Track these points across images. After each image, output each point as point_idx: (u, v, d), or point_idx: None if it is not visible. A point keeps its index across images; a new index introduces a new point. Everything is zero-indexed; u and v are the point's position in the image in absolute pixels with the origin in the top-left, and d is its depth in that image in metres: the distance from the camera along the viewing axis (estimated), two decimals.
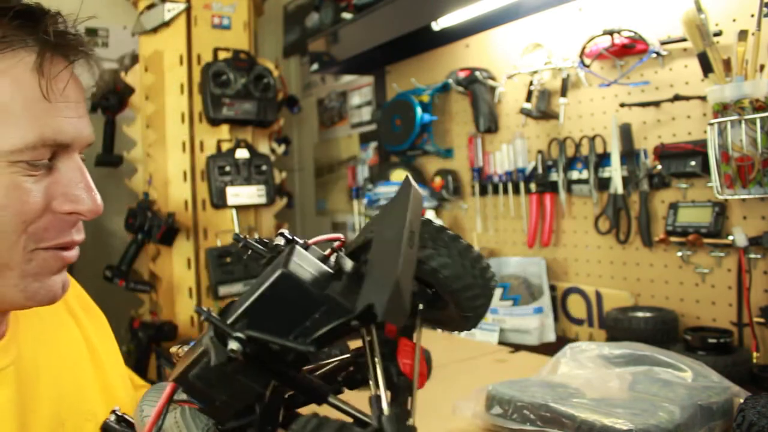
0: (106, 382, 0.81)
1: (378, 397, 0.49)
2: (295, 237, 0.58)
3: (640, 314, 1.38)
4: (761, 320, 1.21)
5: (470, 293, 0.58)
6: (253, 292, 0.48)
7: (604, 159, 1.55)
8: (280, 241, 0.58)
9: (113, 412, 0.53)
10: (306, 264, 0.50)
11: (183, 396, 0.52)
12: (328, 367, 0.62)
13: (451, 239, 0.58)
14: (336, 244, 0.59)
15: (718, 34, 1.26)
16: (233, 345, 0.45)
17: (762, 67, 1.16)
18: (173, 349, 0.62)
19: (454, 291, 0.58)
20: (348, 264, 0.54)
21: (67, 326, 0.80)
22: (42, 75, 0.57)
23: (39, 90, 0.57)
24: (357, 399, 0.52)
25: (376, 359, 0.51)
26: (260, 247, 0.62)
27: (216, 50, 2.16)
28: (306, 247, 0.55)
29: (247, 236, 0.62)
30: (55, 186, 0.60)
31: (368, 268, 0.48)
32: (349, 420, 0.49)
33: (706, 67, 1.23)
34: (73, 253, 0.64)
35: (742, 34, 1.18)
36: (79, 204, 0.61)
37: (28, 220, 0.58)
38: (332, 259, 0.55)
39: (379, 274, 0.45)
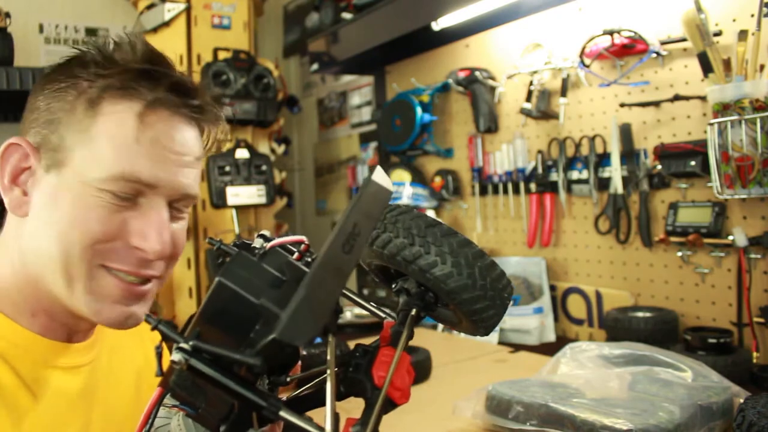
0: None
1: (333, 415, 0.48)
2: (264, 237, 0.56)
3: (640, 314, 1.38)
4: (761, 320, 1.21)
5: (468, 295, 0.54)
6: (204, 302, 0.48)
7: (604, 159, 1.55)
8: (257, 242, 0.55)
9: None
10: (248, 272, 0.48)
11: None
12: (317, 380, 0.61)
13: (444, 234, 0.54)
14: (302, 247, 0.57)
15: (718, 34, 1.26)
16: (176, 356, 0.46)
17: (762, 67, 1.16)
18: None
19: (450, 293, 0.54)
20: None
21: (139, 347, 0.87)
22: (141, 121, 0.65)
23: (134, 133, 0.65)
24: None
25: (328, 373, 0.50)
26: (233, 249, 0.60)
27: (216, 50, 2.16)
28: (264, 252, 0.52)
29: (223, 240, 0.62)
30: (133, 221, 0.67)
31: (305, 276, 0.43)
32: None
33: (706, 67, 1.23)
34: (142, 288, 0.69)
35: (742, 34, 1.18)
36: (145, 242, 0.67)
37: (96, 239, 0.65)
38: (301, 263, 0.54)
39: (301, 285, 0.41)
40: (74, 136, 0.66)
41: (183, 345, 0.45)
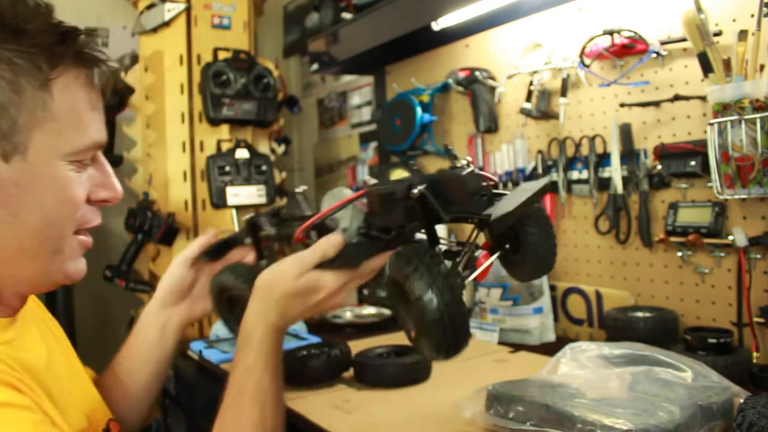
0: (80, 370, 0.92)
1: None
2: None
3: (640, 314, 1.38)
4: (761, 320, 1.22)
5: (546, 255, 0.94)
6: (439, 177, 0.90)
7: (604, 159, 1.55)
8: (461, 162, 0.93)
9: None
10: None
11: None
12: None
13: (544, 218, 0.95)
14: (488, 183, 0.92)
15: (718, 34, 1.26)
16: (415, 190, 0.84)
17: (762, 67, 1.16)
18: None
19: (535, 250, 0.94)
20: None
21: (46, 323, 0.89)
22: (92, 89, 0.69)
23: (89, 101, 0.69)
24: None
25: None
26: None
27: (216, 50, 2.16)
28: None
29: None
30: (91, 179, 0.72)
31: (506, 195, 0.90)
32: None
33: (706, 67, 1.23)
34: (90, 239, 0.76)
35: (742, 34, 1.18)
36: (112, 192, 0.74)
37: (78, 210, 0.71)
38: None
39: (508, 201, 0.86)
40: (29, 117, 0.65)
41: (421, 187, 0.84)
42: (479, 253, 0.94)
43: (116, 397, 0.99)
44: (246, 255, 1.19)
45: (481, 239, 1.00)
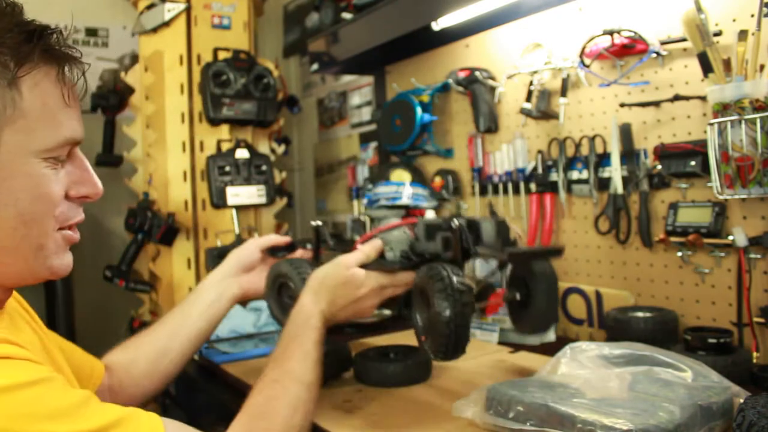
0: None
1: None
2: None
3: (640, 314, 1.37)
4: (761, 320, 1.22)
5: (548, 313, 1.19)
6: (475, 220, 1.16)
7: (604, 159, 1.55)
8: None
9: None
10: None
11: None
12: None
13: (554, 283, 1.20)
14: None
15: (718, 34, 1.26)
16: (455, 223, 1.11)
17: (762, 67, 1.16)
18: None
19: (540, 306, 1.18)
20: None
21: (29, 325, 0.91)
22: (64, 84, 0.69)
23: (62, 98, 0.69)
24: None
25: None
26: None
27: (216, 50, 2.16)
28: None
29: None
30: (69, 176, 0.73)
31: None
32: None
33: (706, 67, 1.23)
34: (77, 235, 0.77)
35: (742, 34, 1.18)
36: (91, 188, 0.74)
37: (55, 206, 0.71)
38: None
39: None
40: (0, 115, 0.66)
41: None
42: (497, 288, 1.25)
43: (136, 359, 1.13)
44: (305, 256, 1.38)
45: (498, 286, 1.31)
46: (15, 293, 0.92)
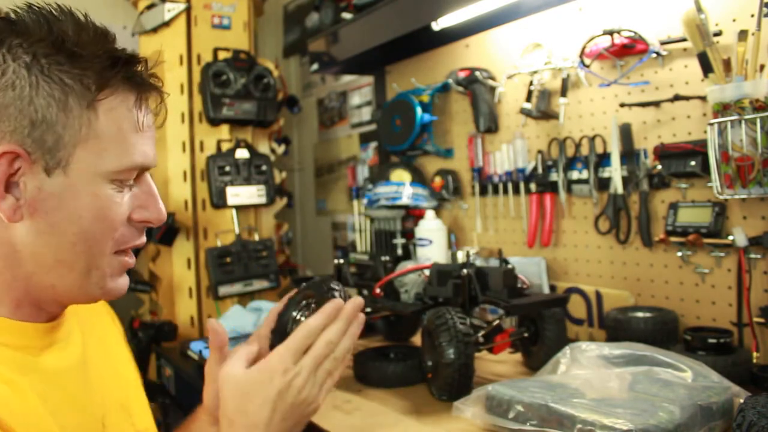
0: (137, 380, 0.95)
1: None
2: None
3: (640, 314, 1.37)
4: (761, 320, 1.21)
5: (556, 352, 1.18)
6: (485, 270, 1.34)
7: (604, 159, 1.55)
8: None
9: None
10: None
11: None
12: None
13: (561, 323, 1.36)
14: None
15: (718, 34, 1.26)
16: (465, 271, 1.29)
17: (762, 67, 1.16)
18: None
19: (549, 346, 1.30)
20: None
21: (109, 326, 0.94)
22: (139, 111, 0.72)
23: (135, 124, 0.71)
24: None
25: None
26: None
27: (216, 50, 2.16)
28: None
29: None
30: (134, 199, 0.74)
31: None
32: None
33: (706, 67, 1.23)
34: (133, 259, 0.77)
35: (742, 34, 1.18)
36: (154, 214, 0.75)
37: (116, 228, 0.72)
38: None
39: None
40: (74, 134, 0.67)
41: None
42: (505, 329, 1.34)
43: None
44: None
45: (507, 324, 1.40)
46: (105, 306, 0.95)
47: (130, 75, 0.71)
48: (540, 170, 1.70)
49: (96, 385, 0.80)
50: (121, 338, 0.97)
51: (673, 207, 1.39)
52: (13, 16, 0.67)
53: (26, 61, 0.65)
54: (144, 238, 0.77)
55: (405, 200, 1.99)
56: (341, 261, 1.58)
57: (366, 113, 2.50)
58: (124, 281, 0.77)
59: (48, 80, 0.66)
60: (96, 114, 0.68)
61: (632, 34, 1.41)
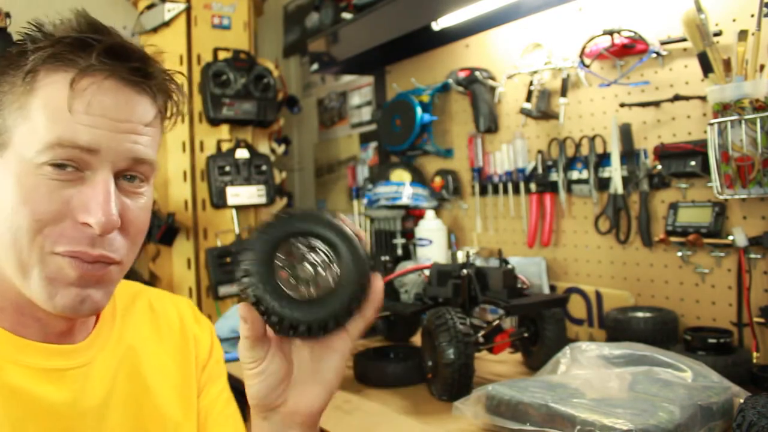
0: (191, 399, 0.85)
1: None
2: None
3: (640, 314, 1.37)
4: (761, 320, 1.21)
5: (556, 351, 1.17)
6: (485, 270, 1.35)
7: (604, 159, 1.55)
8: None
9: None
10: None
11: None
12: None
13: (561, 323, 1.35)
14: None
15: (718, 34, 1.26)
16: (465, 271, 1.29)
17: (762, 67, 1.16)
18: None
19: (549, 346, 1.29)
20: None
21: (174, 336, 0.85)
22: (73, 89, 0.63)
23: (67, 101, 0.63)
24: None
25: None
26: None
27: (216, 50, 2.16)
28: None
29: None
30: (78, 196, 0.63)
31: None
32: None
33: (706, 67, 1.23)
34: (101, 271, 0.65)
35: (742, 34, 1.18)
36: (91, 216, 0.63)
37: (42, 220, 0.62)
38: None
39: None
40: (14, 115, 0.64)
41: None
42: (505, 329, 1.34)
43: None
44: None
45: (508, 324, 1.41)
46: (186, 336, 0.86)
47: (79, 53, 0.64)
48: (540, 170, 1.70)
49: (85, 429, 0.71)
50: (190, 371, 0.85)
51: (673, 207, 1.39)
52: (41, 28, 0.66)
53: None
54: (96, 250, 0.64)
55: (405, 200, 1.99)
56: None
57: (366, 113, 2.50)
58: (76, 294, 0.64)
59: (10, 65, 0.64)
60: (33, 94, 0.63)
61: (632, 34, 1.41)
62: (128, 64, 0.65)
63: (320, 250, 0.60)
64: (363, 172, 2.39)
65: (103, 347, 0.75)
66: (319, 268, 0.59)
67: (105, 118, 0.64)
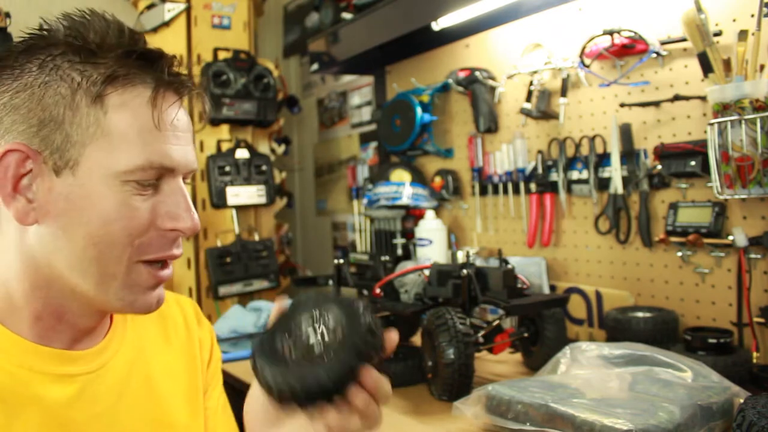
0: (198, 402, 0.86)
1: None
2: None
3: (640, 314, 1.37)
4: (761, 320, 1.21)
5: (556, 351, 1.19)
6: (485, 270, 1.35)
7: (604, 159, 1.55)
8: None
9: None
10: None
11: None
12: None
13: (561, 322, 1.37)
14: None
15: (718, 34, 1.26)
16: (465, 271, 1.28)
17: (762, 67, 1.16)
18: None
19: (548, 345, 1.31)
20: None
21: (180, 337, 0.87)
22: (154, 107, 0.66)
23: (151, 120, 0.66)
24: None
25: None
26: None
27: (216, 50, 2.16)
28: None
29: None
30: (160, 205, 0.68)
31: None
32: None
33: (706, 67, 1.23)
34: (167, 272, 0.71)
35: (742, 34, 1.18)
36: (180, 222, 0.69)
37: (134, 234, 0.66)
38: None
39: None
40: (83, 132, 0.64)
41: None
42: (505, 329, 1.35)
43: None
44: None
45: (507, 324, 1.40)
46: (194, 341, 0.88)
47: (144, 69, 0.66)
48: (540, 170, 1.70)
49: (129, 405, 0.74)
50: (196, 373, 0.86)
51: (673, 207, 1.39)
52: (45, 26, 0.66)
53: (42, 61, 0.64)
54: (178, 250, 0.70)
55: (405, 200, 1.99)
56: (341, 261, 1.58)
57: (366, 113, 2.50)
58: (153, 296, 0.70)
59: (57, 78, 0.64)
60: (105, 111, 0.65)
61: (632, 34, 1.41)
62: (181, 77, 0.69)
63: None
64: (363, 172, 2.39)
65: (117, 350, 0.76)
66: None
67: (180, 132, 0.69)
